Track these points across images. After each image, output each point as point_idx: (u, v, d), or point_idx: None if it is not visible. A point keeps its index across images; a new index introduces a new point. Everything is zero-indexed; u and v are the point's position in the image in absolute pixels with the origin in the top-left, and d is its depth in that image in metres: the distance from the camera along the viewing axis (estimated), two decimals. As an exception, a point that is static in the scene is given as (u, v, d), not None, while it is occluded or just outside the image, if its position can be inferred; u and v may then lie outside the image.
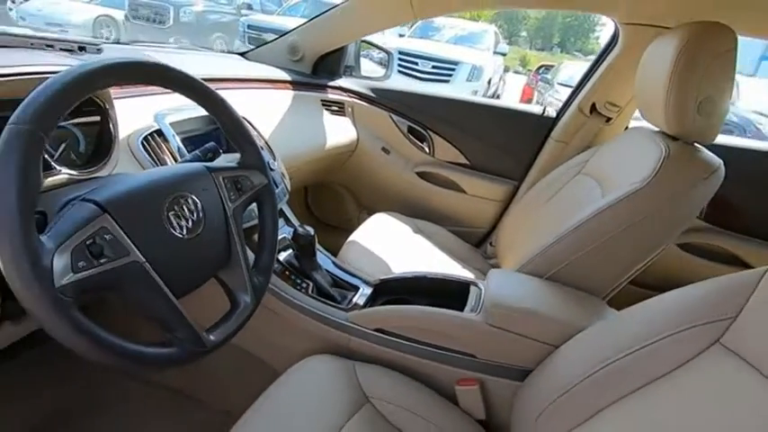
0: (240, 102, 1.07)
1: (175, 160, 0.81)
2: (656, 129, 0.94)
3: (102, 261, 0.44)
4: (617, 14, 1.16)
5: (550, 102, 5.43)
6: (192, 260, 0.56)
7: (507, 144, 1.48)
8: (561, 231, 0.88)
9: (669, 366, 0.55)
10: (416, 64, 5.62)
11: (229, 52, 1.56)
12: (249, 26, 6.17)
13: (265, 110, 1.20)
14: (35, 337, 0.69)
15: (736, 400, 0.48)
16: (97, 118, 0.70)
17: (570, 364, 0.67)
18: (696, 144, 0.87)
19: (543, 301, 0.80)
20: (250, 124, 1.04)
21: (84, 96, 0.45)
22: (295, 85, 1.39)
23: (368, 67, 2.03)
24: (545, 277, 0.88)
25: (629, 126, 1.35)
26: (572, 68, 6.35)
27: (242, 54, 1.50)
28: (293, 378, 0.77)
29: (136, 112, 0.80)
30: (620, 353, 0.59)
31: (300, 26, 1.47)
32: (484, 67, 5.89)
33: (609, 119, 1.32)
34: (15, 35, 0.64)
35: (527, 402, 0.72)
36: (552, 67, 8.59)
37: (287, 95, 1.33)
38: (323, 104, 1.47)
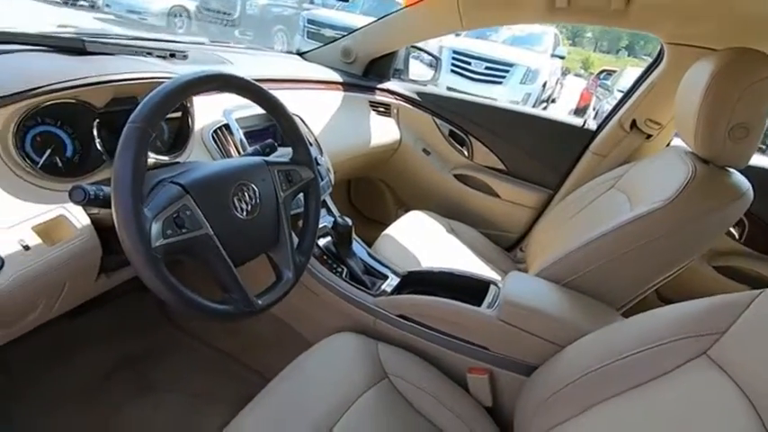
0: (296, 101, 1.20)
1: (238, 151, 0.94)
2: (690, 149, 0.96)
3: (183, 231, 0.57)
4: (662, 33, 1.16)
5: (607, 109, 5.23)
6: (249, 237, 0.68)
7: (545, 153, 1.51)
8: (582, 241, 0.92)
9: (658, 372, 0.59)
10: (469, 64, 5.59)
11: (288, 52, 1.70)
12: (309, 20, 6.38)
13: (318, 109, 1.32)
14: (116, 291, 0.85)
15: (712, 409, 0.52)
16: (179, 114, 0.84)
17: (571, 364, 0.73)
18: (727, 168, 0.88)
19: (554, 304, 0.86)
20: (302, 121, 1.16)
21: (182, 101, 0.58)
22: (346, 86, 1.50)
23: (417, 67, 2.11)
24: (562, 283, 0.93)
25: (672, 144, 1.35)
26: (634, 75, 6.05)
27: (301, 54, 1.63)
28: (322, 350, 0.87)
29: (208, 108, 0.93)
30: (617, 356, 0.64)
31: (355, 31, 1.57)
32: (540, 69, 5.76)
33: (649, 136, 1.32)
34: (121, 45, 0.79)
35: (530, 396, 0.78)
36: (614, 72, 8.20)
37: (338, 96, 1.44)
38: (370, 105, 1.57)
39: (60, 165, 0.67)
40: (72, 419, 0.99)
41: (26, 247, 0.58)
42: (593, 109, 6.91)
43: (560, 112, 8.27)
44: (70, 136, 0.69)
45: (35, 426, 0.96)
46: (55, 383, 1.05)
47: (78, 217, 0.64)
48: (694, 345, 0.58)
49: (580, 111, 8.31)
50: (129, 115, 0.72)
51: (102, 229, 0.66)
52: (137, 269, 0.53)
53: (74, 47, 0.72)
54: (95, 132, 0.70)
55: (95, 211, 0.65)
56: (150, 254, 0.52)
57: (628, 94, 1.34)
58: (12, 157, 0.61)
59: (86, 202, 0.55)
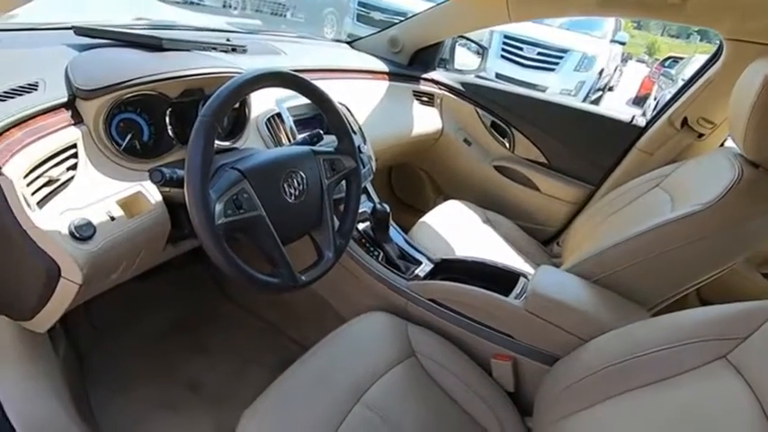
0: (342, 90, 1.26)
1: (289, 139, 1.02)
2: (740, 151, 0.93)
3: (241, 212, 0.65)
4: (721, 28, 1.11)
5: (668, 100, 4.89)
6: (295, 219, 0.76)
7: (590, 148, 1.49)
8: (618, 239, 0.93)
9: (676, 371, 0.61)
10: (521, 50, 5.39)
11: (337, 40, 1.76)
12: (359, 3, 6.39)
13: (363, 98, 1.37)
14: (176, 260, 0.95)
15: (723, 411, 0.54)
16: (237, 104, 0.93)
17: (593, 357, 0.75)
18: None
19: (581, 299, 0.88)
20: (348, 110, 1.22)
21: (243, 97, 0.65)
22: (391, 76, 1.54)
23: (465, 55, 2.09)
24: (593, 280, 0.94)
25: (725, 145, 1.29)
26: (704, 63, 5.58)
27: (349, 43, 1.69)
28: (356, 326, 0.94)
29: (262, 97, 1.00)
30: (637, 352, 0.66)
31: (402, 22, 1.60)
32: (596, 56, 5.46)
33: (701, 135, 1.27)
34: (190, 41, 0.88)
35: (551, 384, 0.81)
36: (681, 59, 7.62)
37: (383, 85, 1.49)
38: (414, 95, 1.60)
39: (138, 147, 0.78)
40: (139, 370, 1.13)
41: (112, 218, 0.68)
42: (654, 99, 6.48)
43: (617, 101, 7.83)
44: (147, 122, 0.79)
45: (109, 369, 1.11)
46: (126, 335, 1.20)
47: (153, 194, 0.74)
48: (715, 347, 0.59)
49: (639, 100, 7.84)
50: (197, 105, 0.82)
51: (171, 205, 0.76)
52: (203, 242, 0.61)
53: (153, 44, 0.82)
54: (167, 120, 0.80)
55: (167, 189, 0.75)
56: (214, 230, 0.61)
57: (681, 91, 1.29)
58: (102, 141, 0.71)
59: (163, 182, 0.65)
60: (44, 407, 0.77)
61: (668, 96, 1.31)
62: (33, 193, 0.61)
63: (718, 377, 0.57)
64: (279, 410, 0.75)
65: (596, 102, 5.99)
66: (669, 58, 8.47)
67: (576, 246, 1.27)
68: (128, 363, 1.14)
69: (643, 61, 15.22)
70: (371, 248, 1.10)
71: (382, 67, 1.53)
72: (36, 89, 0.68)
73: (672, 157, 1.30)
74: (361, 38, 1.69)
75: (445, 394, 0.86)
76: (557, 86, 5.32)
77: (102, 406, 1.01)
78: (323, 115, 0.83)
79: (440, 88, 1.67)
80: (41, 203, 0.62)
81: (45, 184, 0.63)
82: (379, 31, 1.66)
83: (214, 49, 0.91)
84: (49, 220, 0.61)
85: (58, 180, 0.65)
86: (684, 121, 1.28)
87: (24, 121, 0.64)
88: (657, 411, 0.60)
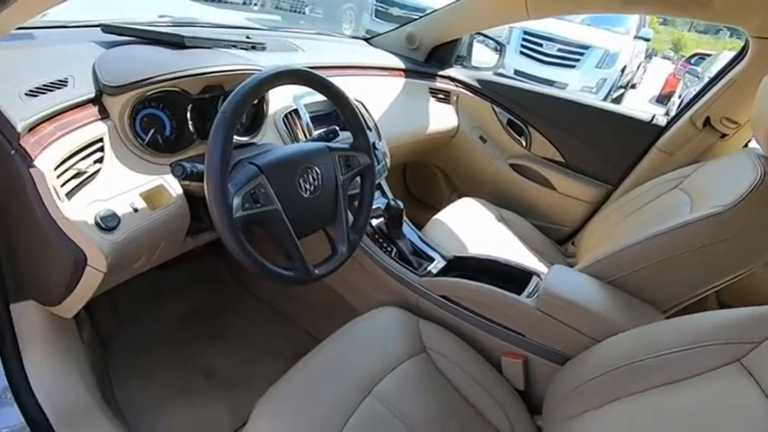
0: (359, 86, 1.27)
1: (305, 135, 1.04)
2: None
3: (257, 206, 0.67)
4: (747, 26, 1.08)
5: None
6: (310, 214, 0.78)
7: (608, 148, 1.47)
8: (633, 240, 0.92)
9: (688, 373, 0.61)
10: (540, 46, 5.30)
11: (354, 37, 1.77)
12: (378, -1, 6.37)
13: (379, 95, 1.38)
14: (195, 252, 0.98)
15: (735, 416, 0.53)
16: (255, 100, 0.95)
17: (604, 357, 0.75)
18: None
19: (593, 299, 0.87)
20: (364, 107, 1.23)
21: (262, 93, 0.67)
22: (408, 73, 1.54)
23: (484, 52, 2.08)
24: (608, 280, 0.94)
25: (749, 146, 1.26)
26: (732, 61, 5.40)
27: (367, 40, 1.70)
28: (368, 320, 0.95)
29: (280, 94, 1.02)
30: (650, 353, 0.65)
31: (419, 18, 1.60)
32: (619, 53, 5.33)
33: (724, 135, 1.24)
34: (211, 39, 0.90)
35: (561, 384, 0.81)
36: (709, 56, 7.40)
37: (399, 82, 1.49)
38: (430, 92, 1.60)
39: (161, 142, 0.80)
40: (157, 356, 1.17)
41: (135, 210, 0.71)
42: (679, 97, 6.31)
43: (639, 99, 7.65)
44: (169, 118, 0.81)
45: (129, 354, 1.15)
46: (145, 322, 1.24)
47: (174, 187, 0.77)
48: (729, 351, 0.59)
49: (663, 98, 7.64)
50: (217, 101, 0.84)
51: (191, 198, 0.78)
52: (221, 234, 0.64)
53: (175, 42, 0.84)
54: (189, 115, 0.82)
55: (187, 183, 0.77)
56: (232, 223, 0.63)
57: (703, 90, 1.26)
58: (127, 135, 0.74)
59: (184, 176, 0.67)
60: (71, 390, 0.81)
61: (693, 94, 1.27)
62: (63, 185, 0.64)
63: (731, 381, 0.57)
64: (291, 400, 0.77)
65: (618, 99, 5.86)
66: (695, 54, 8.23)
67: (592, 246, 1.26)
68: (147, 348, 1.18)
69: (668, 58, 14.80)
70: (385, 244, 1.12)
71: (399, 63, 1.54)
72: (66, 85, 0.71)
73: (693, 158, 1.28)
74: (378, 34, 1.70)
75: (455, 390, 0.87)
76: (577, 83, 5.23)
77: (122, 389, 1.05)
78: (339, 112, 0.85)
79: (456, 85, 1.66)
80: (70, 195, 0.65)
81: (73, 177, 0.66)
82: (396, 28, 1.66)
83: (234, 46, 0.93)
84: (77, 211, 0.64)
85: (85, 172, 0.68)
86: (707, 121, 1.25)
87: (55, 116, 0.67)
88: (668, 413, 0.60)
